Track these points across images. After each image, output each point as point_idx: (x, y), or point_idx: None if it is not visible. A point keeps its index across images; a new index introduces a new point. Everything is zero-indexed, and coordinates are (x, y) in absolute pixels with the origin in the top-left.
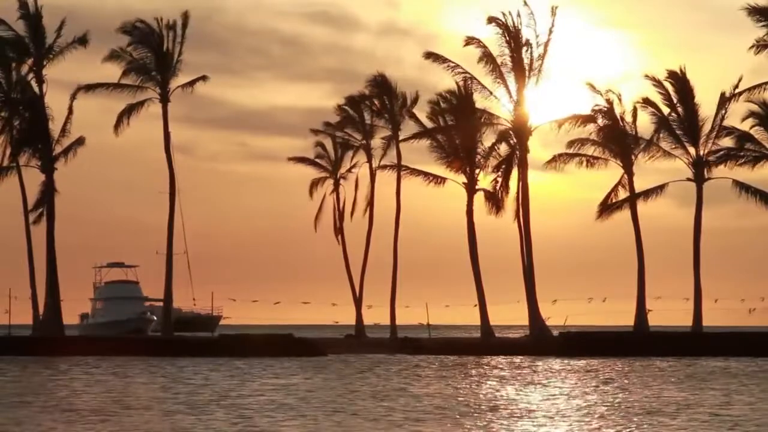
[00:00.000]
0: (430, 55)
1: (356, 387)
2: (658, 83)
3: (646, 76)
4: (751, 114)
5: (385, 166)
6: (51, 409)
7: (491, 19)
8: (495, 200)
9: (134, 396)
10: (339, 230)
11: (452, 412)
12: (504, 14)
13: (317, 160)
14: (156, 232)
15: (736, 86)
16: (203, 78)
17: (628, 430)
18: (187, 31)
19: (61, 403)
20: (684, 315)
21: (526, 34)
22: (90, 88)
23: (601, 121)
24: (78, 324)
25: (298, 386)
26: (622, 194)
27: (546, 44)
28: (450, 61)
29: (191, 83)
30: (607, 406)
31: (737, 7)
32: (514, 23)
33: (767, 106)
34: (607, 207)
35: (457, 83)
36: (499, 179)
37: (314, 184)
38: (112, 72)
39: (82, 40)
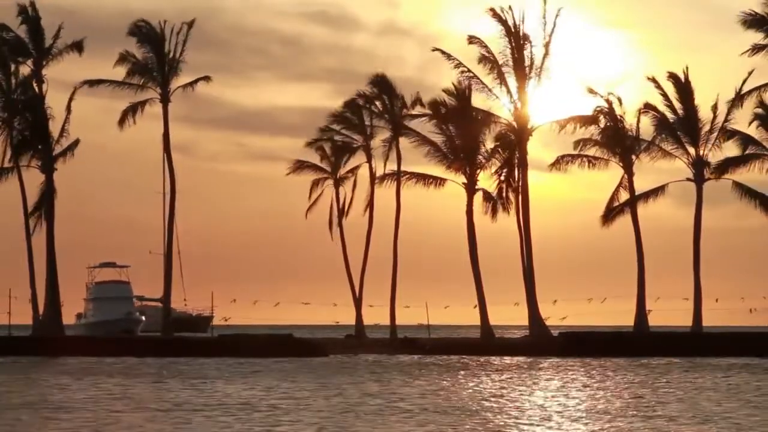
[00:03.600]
0: (437, 50)
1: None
2: (658, 85)
3: (648, 78)
4: (756, 117)
5: (384, 176)
6: None
7: (492, 13)
8: (494, 202)
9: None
10: (337, 224)
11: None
12: (504, 10)
13: (316, 163)
14: (151, 232)
15: (740, 89)
16: (206, 78)
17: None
18: (183, 32)
19: None
20: (684, 315)
21: (527, 33)
22: (92, 84)
23: (602, 122)
24: (74, 324)
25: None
26: (623, 195)
27: (547, 45)
28: (455, 58)
29: (193, 83)
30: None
31: (737, 7)
32: (515, 21)
33: (765, 107)
34: (610, 212)
35: (455, 84)
36: (503, 183)
37: (315, 184)
38: (114, 72)
39: (78, 47)
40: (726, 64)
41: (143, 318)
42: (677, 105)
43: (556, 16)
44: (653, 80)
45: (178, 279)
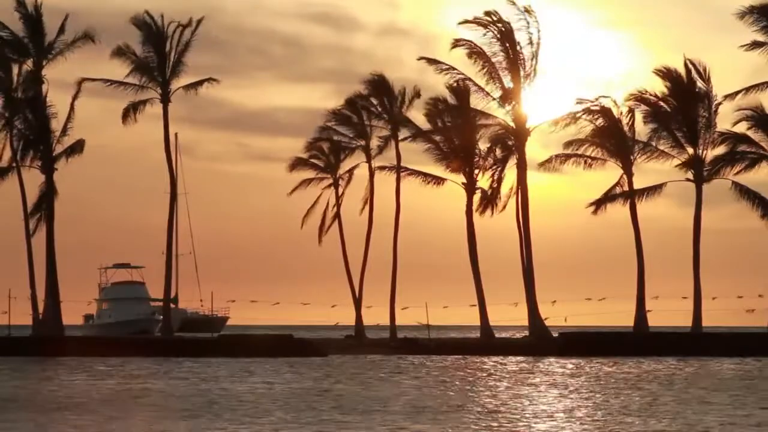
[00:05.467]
0: (424, 59)
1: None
2: (647, 92)
3: (638, 91)
4: (746, 117)
5: (383, 167)
6: None
7: (480, 23)
8: (488, 200)
9: None
10: (327, 230)
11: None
12: (493, 14)
13: (314, 161)
14: (161, 233)
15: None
16: (210, 80)
17: None
18: (188, 32)
19: None
20: (683, 315)
21: (519, 34)
22: (93, 81)
23: (599, 122)
24: (82, 325)
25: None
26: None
27: (537, 45)
28: (444, 63)
29: (197, 84)
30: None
31: (737, 8)
32: (506, 23)
33: (761, 108)
34: (600, 200)
35: (452, 85)
36: (495, 179)
37: (305, 183)
38: (116, 73)
39: (89, 36)
40: (725, 64)
41: (161, 318)
42: (675, 104)
43: (531, 15)
44: (657, 70)
45: (194, 279)
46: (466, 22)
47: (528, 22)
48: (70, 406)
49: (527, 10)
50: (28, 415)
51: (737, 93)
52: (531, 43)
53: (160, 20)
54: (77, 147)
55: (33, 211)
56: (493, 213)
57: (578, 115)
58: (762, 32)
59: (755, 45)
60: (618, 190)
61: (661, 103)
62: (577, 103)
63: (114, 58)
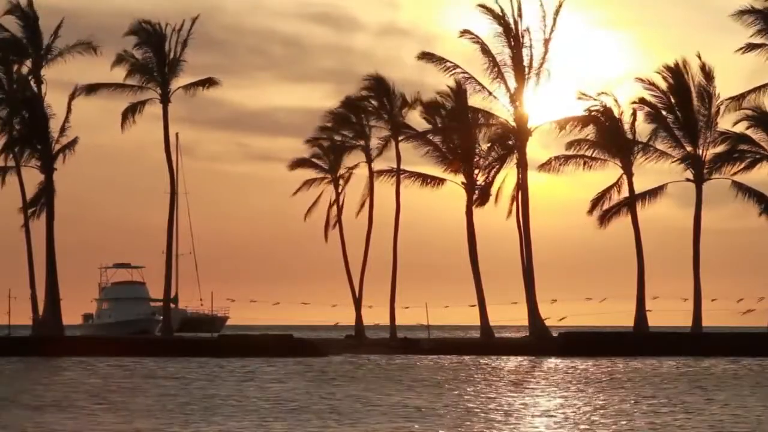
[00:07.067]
0: (425, 56)
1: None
2: (653, 85)
3: (640, 79)
4: (746, 117)
5: (383, 171)
6: None
7: (488, 10)
8: (483, 195)
9: None
10: (336, 223)
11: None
12: (502, 10)
13: (315, 161)
14: (160, 233)
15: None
16: (210, 81)
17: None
18: (184, 30)
19: None
20: (683, 315)
21: (525, 30)
22: (91, 89)
23: (600, 122)
24: (81, 324)
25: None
26: (617, 195)
27: (547, 43)
28: (447, 60)
29: (197, 85)
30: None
31: (737, 8)
32: (514, 20)
33: (760, 109)
34: (605, 213)
35: (452, 86)
36: (489, 174)
37: (307, 183)
38: (114, 73)
39: (90, 46)
40: (725, 64)
41: (161, 318)
42: (674, 102)
43: (557, 12)
44: (647, 81)
45: (194, 278)
46: (487, 9)
47: (546, 24)
48: (54, 405)
49: (557, 10)
50: (11, 413)
51: (742, 97)
52: (546, 41)
53: (157, 25)
54: (71, 145)
55: (30, 206)
56: (484, 204)
57: (581, 116)
58: (758, 34)
59: (750, 47)
60: (616, 191)
61: (663, 98)
62: (579, 98)
63: (116, 66)
